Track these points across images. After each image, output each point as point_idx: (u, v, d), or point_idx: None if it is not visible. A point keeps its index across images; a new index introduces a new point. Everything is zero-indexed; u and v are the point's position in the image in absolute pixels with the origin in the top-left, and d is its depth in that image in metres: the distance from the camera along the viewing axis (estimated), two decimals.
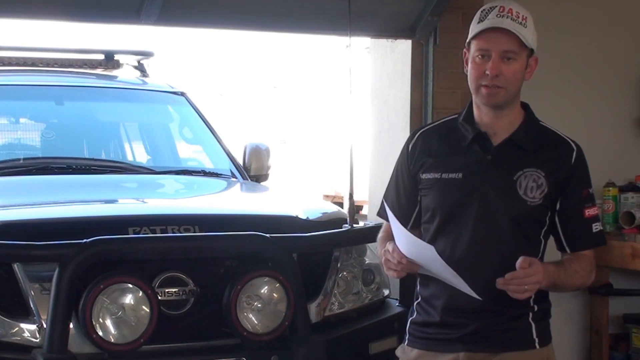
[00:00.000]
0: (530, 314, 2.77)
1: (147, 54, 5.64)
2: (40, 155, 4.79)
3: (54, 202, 3.94)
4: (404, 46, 5.06)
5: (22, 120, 5.09)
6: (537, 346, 2.78)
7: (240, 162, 4.95)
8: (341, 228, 3.84)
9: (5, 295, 3.31)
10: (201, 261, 3.51)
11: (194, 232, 3.53)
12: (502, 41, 2.68)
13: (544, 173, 2.73)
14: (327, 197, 10.25)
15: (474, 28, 2.74)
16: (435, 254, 2.60)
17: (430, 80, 4.94)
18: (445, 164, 2.78)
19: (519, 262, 2.61)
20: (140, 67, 5.61)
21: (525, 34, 2.69)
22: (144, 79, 5.49)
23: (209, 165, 4.94)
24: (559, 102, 5.15)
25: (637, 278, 5.21)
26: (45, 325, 3.22)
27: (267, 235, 3.51)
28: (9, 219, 3.52)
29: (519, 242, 2.71)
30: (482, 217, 2.72)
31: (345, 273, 3.85)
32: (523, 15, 2.71)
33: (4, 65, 5.21)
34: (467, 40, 2.76)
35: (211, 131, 5.09)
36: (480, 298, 2.64)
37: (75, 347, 3.26)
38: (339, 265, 3.82)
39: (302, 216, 3.84)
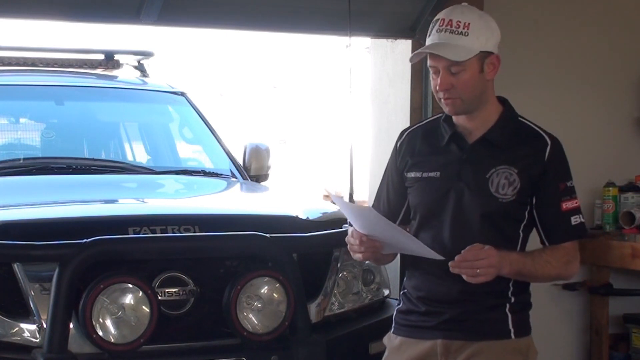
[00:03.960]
0: (507, 305, 2.80)
1: (147, 54, 5.63)
2: (40, 155, 4.78)
3: (54, 202, 3.94)
4: (404, 46, 5.06)
5: (22, 120, 5.08)
6: (513, 336, 2.80)
7: (240, 162, 4.95)
8: (341, 228, 3.84)
9: (5, 295, 3.31)
10: (201, 261, 3.51)
11: (194, 232, 3.53)
12: (443, 57, 2.72)
13: (516, 170, 2.75)
14: (327, 197, 10.24)
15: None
16: (376, 214, 2.70)
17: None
18: (425, 163, 2.84)
19: (469, 247, 2.66)
20: (140, 67, 5.60)
21: (465, 44, 2.70)
22: (144, 79, 5.48)
23: (209, 165, 4.93)
24: (558, 102, 5.15)
25: (637, 278, 5.21)
26: (45, 325, 3.22)
27: (267, 235, 3.51)
28: (9, 219, 3.52)
29: (494, 238, 2.73)
30: (457, 215, 2.77)
31: (345, 273, 3.85)
32: (465, 24, 2.71)
33: (4, 65, 5.21)
34: None
35: (211, 131, 5.08)
36: (443, 258, 2.67)
37: (75, 347, 3.26)
38: (339, 265, 3.82)
39: (302, 216, 3.84)
